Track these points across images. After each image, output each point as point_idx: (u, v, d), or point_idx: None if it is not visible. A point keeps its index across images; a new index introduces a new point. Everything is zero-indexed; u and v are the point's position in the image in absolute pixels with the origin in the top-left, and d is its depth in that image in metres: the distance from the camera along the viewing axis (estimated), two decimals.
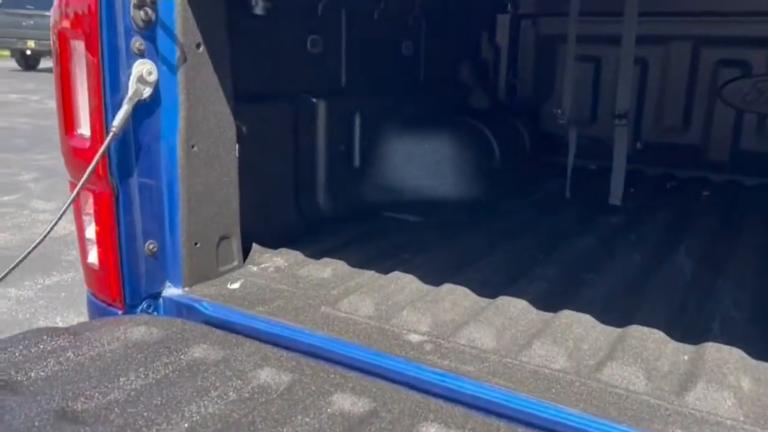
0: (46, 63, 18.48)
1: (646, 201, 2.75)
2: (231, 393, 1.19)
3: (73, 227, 5.45)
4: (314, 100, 2.25)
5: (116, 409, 1.11)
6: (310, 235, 2.14)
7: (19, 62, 17.57)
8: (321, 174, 2.31)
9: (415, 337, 1.44)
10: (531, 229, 2.31)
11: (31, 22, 16.72)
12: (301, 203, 2.25)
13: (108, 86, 1.46)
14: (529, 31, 3.51)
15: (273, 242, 2.00)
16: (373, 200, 2.50)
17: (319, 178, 2.31)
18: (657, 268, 1.93)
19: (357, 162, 2.48)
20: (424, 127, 2.70)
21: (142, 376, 1.23)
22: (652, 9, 2.82)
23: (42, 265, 4.27)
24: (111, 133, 1.44)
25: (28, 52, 17.23)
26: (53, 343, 1.32)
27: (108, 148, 1.46)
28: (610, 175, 2.64)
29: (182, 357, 1.32)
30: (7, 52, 18.36)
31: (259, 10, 1.78)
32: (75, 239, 5.29)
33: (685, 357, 1.38)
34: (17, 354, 1.26)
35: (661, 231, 2.33)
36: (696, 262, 1.98)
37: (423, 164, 2.61)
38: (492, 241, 2.16)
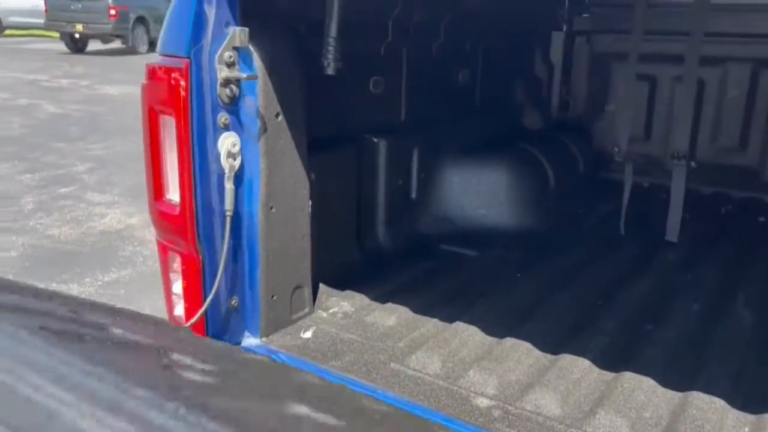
0: (93, 45, 18.87)
1: (702, 231, 2.76)
2: None
3: (129, 221, 5.56)
4: (375, 139, 2.33)
5: None
6: (372, 274, 2.23)
7: (67, 45, 17.99)
8: (381, 210, 2.40)
9: (483, 402, 1.53)
10: (588, 268, 2.36)
11: (79, 5, 17.08)
12: (363, 241, 2.34)
13: (197, 157, 1.56)
14: (584, 48, 3.50)
15: (338, 283, 2.10)
16: (430, 232, 2.58)
17: (378, 214, 2.39)
18: (716, 320, 1.97)
19: (414, 195, 2.55)
20: (479, 155, 2.75)
21: None
22: (713, 30, 2.78)
23: (100, 262, 4.47)
24: (227, 216, 1.56)
25: (77, 36, 17.63)
26: None
27: (198, 218, 1.57)
28: (663, 194, 2.65)
29: None
30: (56, 35, 18.81)
31: (330, 71, 1.85)
32: (131, 235, 5.45)
33: (746, 429, 1.43)
34: None
35: (718, 271, 2.35)
36: (756, 313, 2.01)
37: (478, 194, 2.66)
38: (550, 283, 2.21)
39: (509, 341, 1.77)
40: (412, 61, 2.48)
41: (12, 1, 20.85)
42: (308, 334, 1.83)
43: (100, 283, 4.22)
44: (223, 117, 1.59)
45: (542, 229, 2.70)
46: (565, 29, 3.45)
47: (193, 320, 1.62)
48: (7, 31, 21.76)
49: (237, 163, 1.60)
